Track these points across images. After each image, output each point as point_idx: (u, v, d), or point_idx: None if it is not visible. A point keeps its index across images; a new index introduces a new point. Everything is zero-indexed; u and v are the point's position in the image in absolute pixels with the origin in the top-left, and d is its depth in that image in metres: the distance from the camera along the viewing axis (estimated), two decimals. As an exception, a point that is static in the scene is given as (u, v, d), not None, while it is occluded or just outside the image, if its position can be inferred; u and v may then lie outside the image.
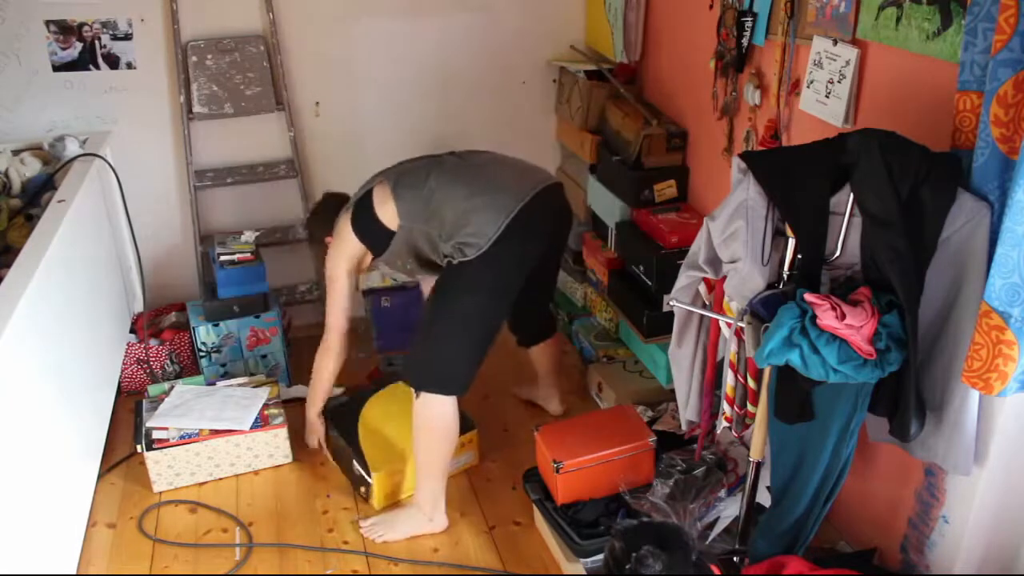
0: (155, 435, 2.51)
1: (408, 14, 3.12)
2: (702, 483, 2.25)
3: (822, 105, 2.03)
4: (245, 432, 2.55)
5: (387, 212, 2.31)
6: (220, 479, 2.59)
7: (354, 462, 2.49)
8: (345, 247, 2.38)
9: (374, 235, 2.34)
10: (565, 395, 2.92)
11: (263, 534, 2.42)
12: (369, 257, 2.42)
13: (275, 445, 2.61)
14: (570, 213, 2.45)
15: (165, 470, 2.52)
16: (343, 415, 2.63)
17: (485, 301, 2.26)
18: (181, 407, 2.61)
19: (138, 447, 2.50)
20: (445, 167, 2.34)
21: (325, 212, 2.51)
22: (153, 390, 2.73)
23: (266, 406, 2.65)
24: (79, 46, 2.86)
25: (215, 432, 2.53)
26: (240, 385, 2.77)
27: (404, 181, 2.32)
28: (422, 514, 2.36)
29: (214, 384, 2.78)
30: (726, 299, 1.85)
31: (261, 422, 2.59)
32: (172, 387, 2.72)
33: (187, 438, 2.51)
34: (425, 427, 2.28)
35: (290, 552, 2.35)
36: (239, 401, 2.66)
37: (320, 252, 2.50)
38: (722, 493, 2.24)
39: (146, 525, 2.44)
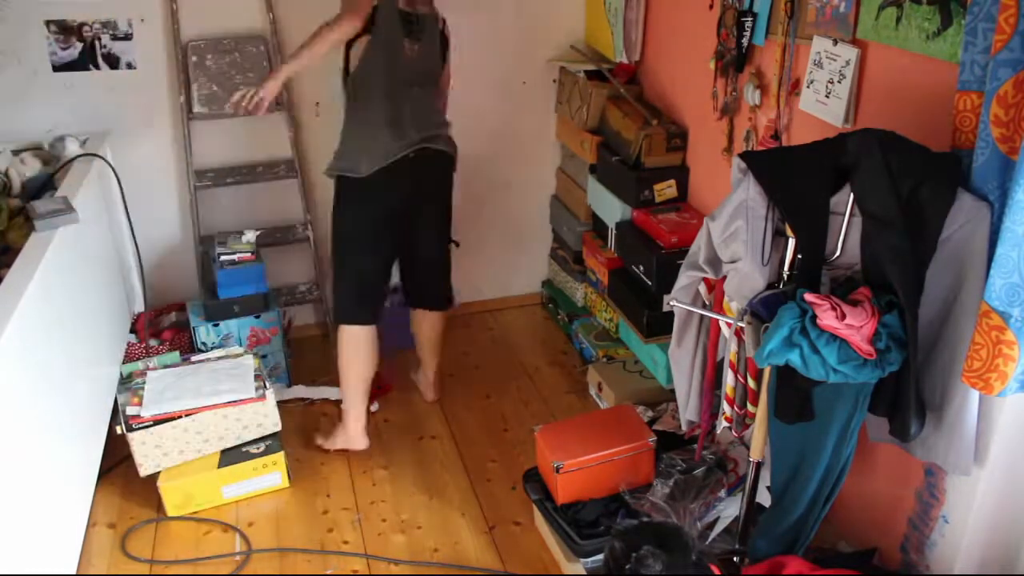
0: (130, 411, 2.45)
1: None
2: (702, 483, 2.25)
3: (822, 105, 2.03)
4: (250, 401, 2.53)
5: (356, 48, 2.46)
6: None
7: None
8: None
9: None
10: (441, 381, 3.04)
11: (263, 534, 2.42)
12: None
13: (264, 414, 2.58)
14: (439, 178, 2.68)
15: (152, 451, 2.46)
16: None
17: (349, 230, 2.60)
18: (169, 390, 2.55)
19: (118, 429, 2.44)
20: (394, 87, 2.50)
21: None
22: (125, 369, 2.68)
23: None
24: (79, 46, 2.86)
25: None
26: (219, 359, 2.74)
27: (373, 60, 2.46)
28: (344, 431, 2.73)
29: (188, 358, 2.75)
30: (726, 299, 1.85)
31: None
32: (147, 366, 2.68)
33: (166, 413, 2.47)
34: (338, 352, 2.68)
35: (290, 551, 2.35)
36: (229, 372, 2.64)
37: None
38: (722, 493, 2.24)
39: (142, 536, 2.44)
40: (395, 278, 3.22)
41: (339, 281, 2.66)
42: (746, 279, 1.73)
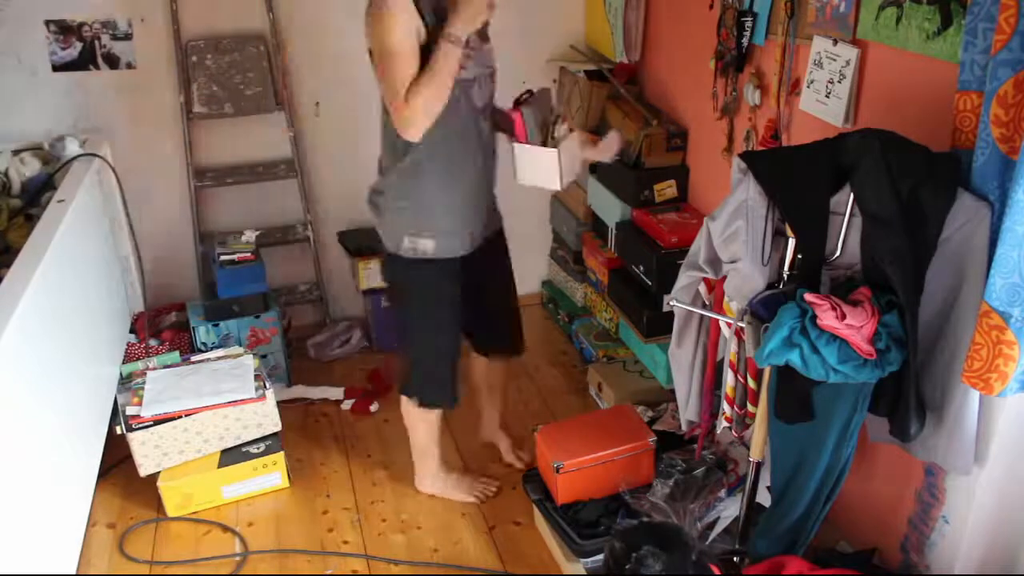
0: (130, 411, 2.44)
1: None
2: (702, 483, 2.25)
3: (822, 105, 2.03)
4: (250, 401, 2.53)
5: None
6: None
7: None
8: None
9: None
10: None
11: (263, 534, 2.42)
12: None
13: (264, 414, 2.58)
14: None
15: (152, 451, 2.46)
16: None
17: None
18: (169, 390, 2.55)
19: (118, 429, 2.44)
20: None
21: None
22: (125, 369, 2.68)
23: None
24: (79, 46, 2.86)
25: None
26: (219, 359, 2.73)
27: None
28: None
29: (188, 358, 2.75)
30: (726, 299, 1.85)
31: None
32: (147, 366, 2.68)
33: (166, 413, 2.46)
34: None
35: (290, 552, 2.35)
36: (229, 372, 2.63)
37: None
38: (722, 493, 2.24)
39: (142, 536, 2.44)
40: (373, 281, 3.21)
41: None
42: (746, 279, 1.73)
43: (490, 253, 2.31)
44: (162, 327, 3.03)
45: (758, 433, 1.90)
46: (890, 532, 2.02)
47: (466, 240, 2.19)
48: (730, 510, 2.20)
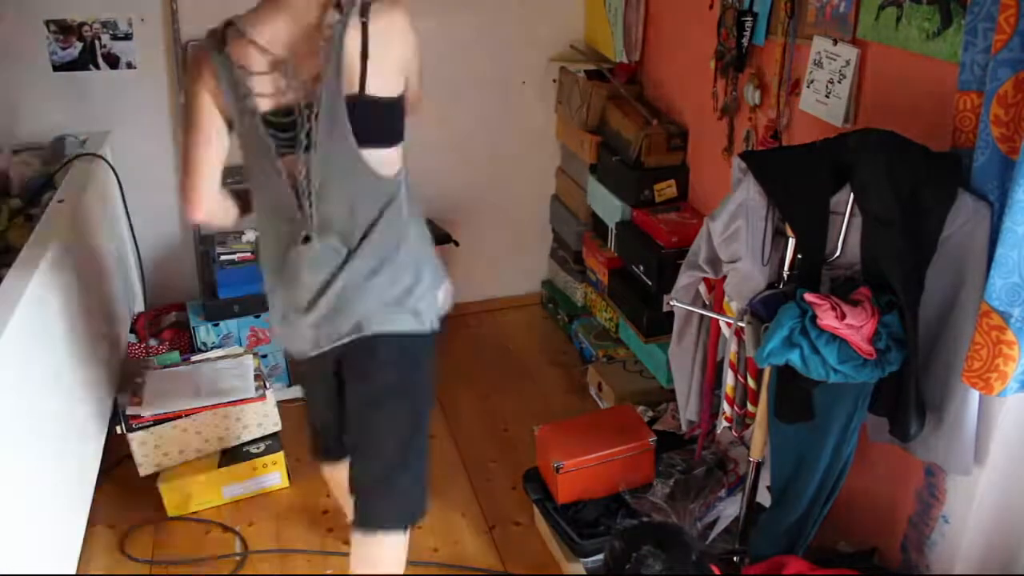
0: (129, 411, 2.44)
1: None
2: (702, 483, 2.25)
3: (822, 105, 2.03)
4: (250, 401, 2.53)
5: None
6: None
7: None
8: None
9: None
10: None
11: (263, 534, 2.42)
12: None
13: (264, 414, 2.58)
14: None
15: (152, 451, 2.46)
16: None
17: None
18: (169, 390, 2.54)
19: (118, 429, 2.43)
20: None
21: None
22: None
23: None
24: (79, 46, 2.86)
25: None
26: (219, 359, 2.73)
27: None
28: None
29: (188, 358, 2.75)
30: (726, 299, 1.85)
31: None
32: (146, 366, 2.67)
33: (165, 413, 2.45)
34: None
35: (290, 552, 2.35)
36: (229, 371, 2.63)
37: None
38: (722, 493, 2.24)
39: (142, 536, 2.44)
40: None
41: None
42: (746, 279, 1.73)
43: None
44: (162, 327, 3.03)
45: (758, 433, 1.90)
46: (890, 532, 2.02)
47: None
48: (730, 510, 2.20)
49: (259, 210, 1.76)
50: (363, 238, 1.65)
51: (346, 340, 1.70)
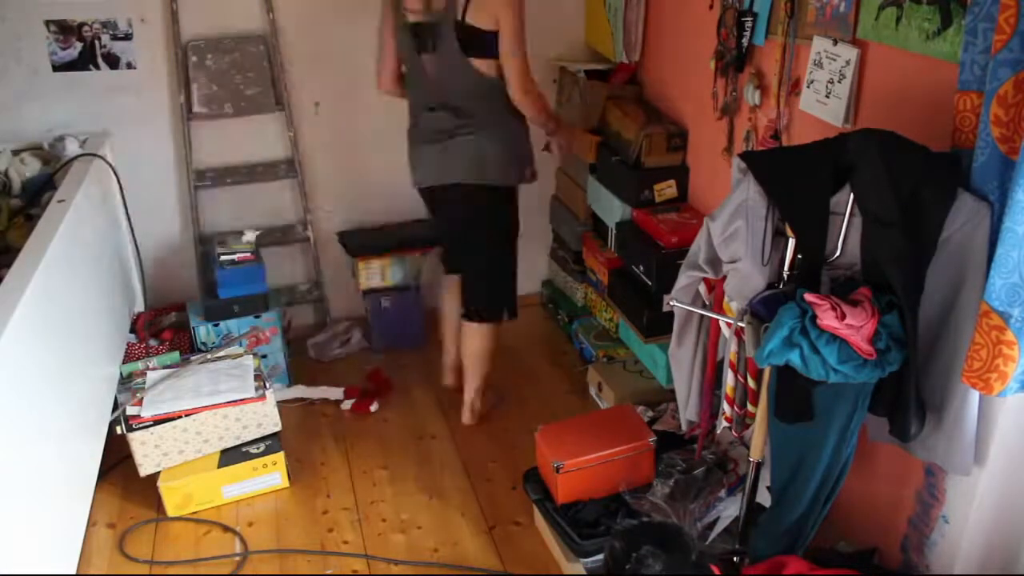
0: (130, 411, 2.45)
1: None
2: (702, 483, 2.25)
3: (822, 105, 2.03)
4: (250, 401, 2.53)
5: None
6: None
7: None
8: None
9: None
10: (478, 409, 2.88)
11: (263, 534, 2.42)
12: None
13: (264, 414, 2.58)
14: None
15: (152, 451, 2.46)
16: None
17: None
18: (169, 390, 2.55)
19: (118, 429, 2.44)
20: None
21: None
22: (125, 369, 2.68)
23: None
24: (79, 46, 2.86)
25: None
26: (219, 359, 2.73)
27: None
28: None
29: (188, 358, 2.75)
30: (726, 299, 1.85)
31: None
32: (147, 366, 2.68)
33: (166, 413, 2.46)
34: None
35: (290, 552, 2.35)
36: (229, 372, 2.63)
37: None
38: (722, 493, 2.24)
39: (142, 536, 2.44)
40: (373, 281, 3.24)
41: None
42: (746, 279, 1.73)
43: None
44: (162, 327, 3.03)
45: (758, 433, 1.90)
46: (890, 532, 2.02)
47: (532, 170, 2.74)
48: (730, 510, 2.20)
49: (408, 88, 2.60)
50: (466, 114, 2.48)
51: (445, 182, 2.56)
